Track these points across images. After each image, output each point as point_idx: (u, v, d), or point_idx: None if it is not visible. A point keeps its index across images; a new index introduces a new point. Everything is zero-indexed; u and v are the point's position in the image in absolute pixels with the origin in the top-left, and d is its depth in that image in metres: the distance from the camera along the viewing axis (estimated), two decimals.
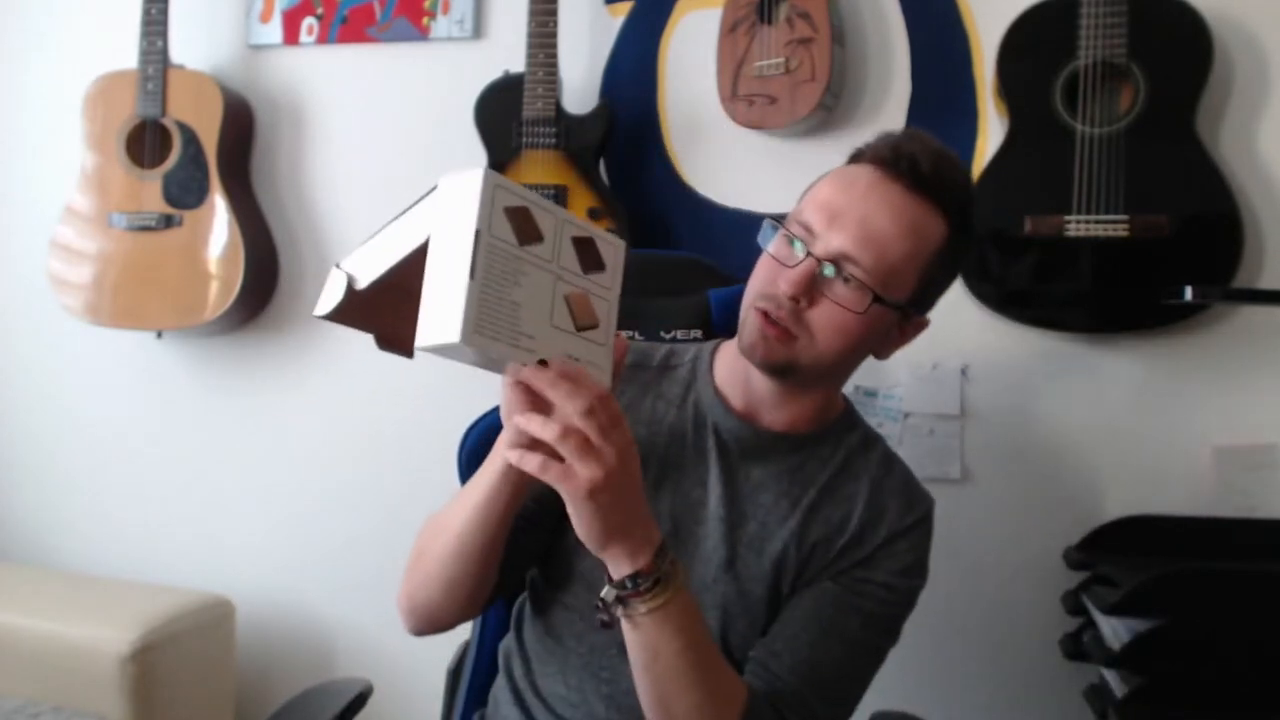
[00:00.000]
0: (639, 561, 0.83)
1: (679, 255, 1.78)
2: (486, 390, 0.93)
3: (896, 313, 0.98)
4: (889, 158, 0.96)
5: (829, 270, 0.94)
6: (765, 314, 0.96)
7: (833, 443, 1.07)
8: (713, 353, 1.10)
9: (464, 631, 1.37)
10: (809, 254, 0.95)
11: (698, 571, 1.04)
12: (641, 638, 0.87)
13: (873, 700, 1.20)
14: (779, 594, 1.04)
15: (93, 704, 1.81)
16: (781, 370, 0.98)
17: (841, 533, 1.03)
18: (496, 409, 1.29)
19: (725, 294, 1.44)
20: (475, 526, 0.95)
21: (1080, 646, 1.51)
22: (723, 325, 1.40)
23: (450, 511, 0.99)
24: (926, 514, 1.06)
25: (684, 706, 0.90)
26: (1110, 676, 1.44)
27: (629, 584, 0.84)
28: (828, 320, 0.95)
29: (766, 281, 0.98)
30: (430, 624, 1.04)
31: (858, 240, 0.94)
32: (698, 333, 1.39)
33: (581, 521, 0.80)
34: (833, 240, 0.95)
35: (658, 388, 1.09)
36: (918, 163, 0.95)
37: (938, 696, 1.62)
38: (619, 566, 0.84)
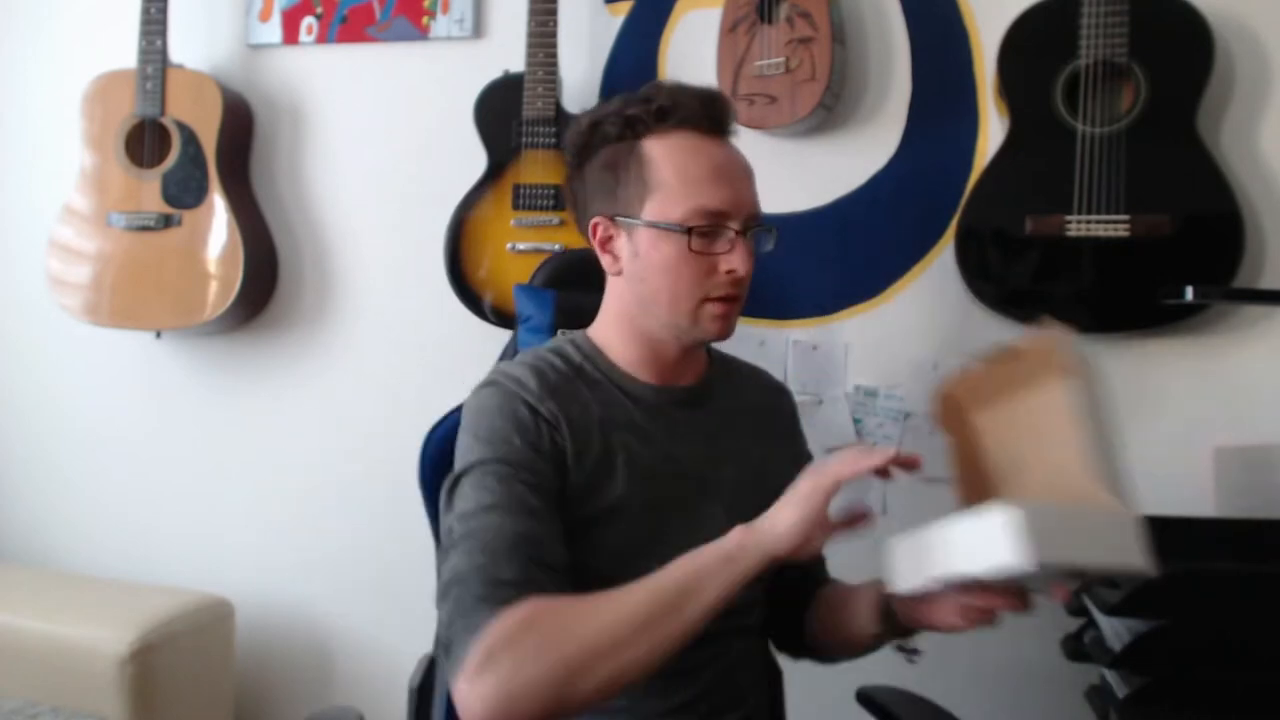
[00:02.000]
0: None
1: None
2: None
3: None
4: (708, 121, 1.06)
5: (754, 229, 1.07)
6: (725, 299, 1.06)
7: (721, 377, 1.19)
8: (587, 347, 1.13)
9: (412, 649, 1.35)
10: (737, 232, 1.05)
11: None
12: None
13: None
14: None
15: (92, 704, 1.81)
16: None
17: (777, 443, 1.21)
18: (454, 412, 1.25)
19: None
20: (701, 620, 0.91)
21: (1081, 647, 1.50)
22: None
23: (681, 593, 0.91)
24: (787, 394, 1.29)
25: None
26: (1111, 677, 1.44)
27: None
28: (752, 272, 1.07)
29: (703, 274, 1.05)
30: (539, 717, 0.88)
31: (754, 199, 1.08)
32: None
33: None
34: (745, 208, 1.06)
35: (573, 398, 1.08)
36: (728, 113, 1.08)
37: (938, 697, 1.62)
38: None
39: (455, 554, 0.95)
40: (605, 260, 1.11)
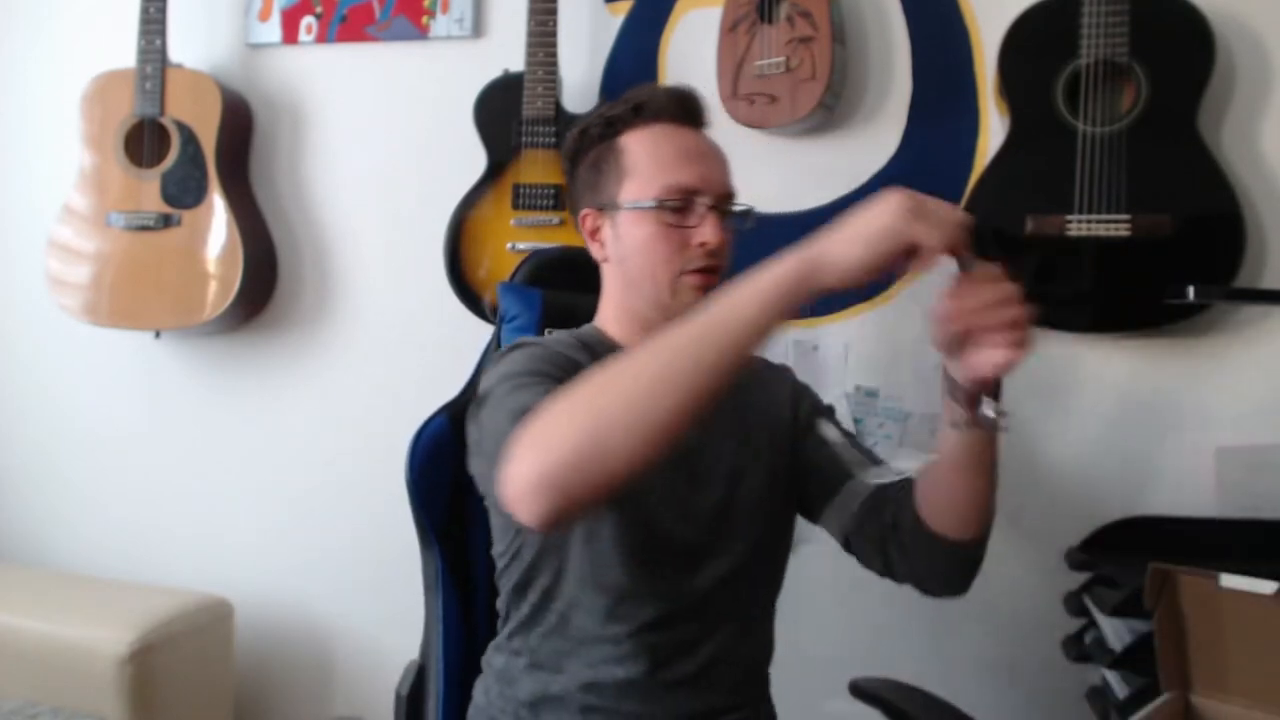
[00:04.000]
0: None
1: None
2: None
3: None
4: (679, 112, 1.14)
5: (735, 209, 1.14)
6: (701, 271, 1.10)
7: None
8: (593, 336, 1.18)
9: (412, 650, 1.33)
10: (708, 207, 1.10)
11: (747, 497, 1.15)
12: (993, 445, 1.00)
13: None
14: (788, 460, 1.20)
15: (91, 705, 1.81)
16: None
17: (783, 409, 1.22)
18: (442, 411, 1.30)
19: None
20: (740, 344, 0.86)
21: (1082, 648, 1.50)
22: None
23: (706, 325, 0.86)
24: (788, 370, 1.30)
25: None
26: (1112, 678, 1.43)
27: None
28: (729, 247, 1.13)
29: (677, 248, 1.10)
30: (584, 490, 0.84)
31: (727, 178, 1.15)
32: None
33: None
34: (715, 186, 1.12)
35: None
36: (698, 106, 1.16)
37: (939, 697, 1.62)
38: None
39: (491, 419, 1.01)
40: (594, 249, 1.18)
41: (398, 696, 1.27)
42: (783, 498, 1.19)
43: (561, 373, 1.03)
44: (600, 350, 1.15)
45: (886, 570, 1.14)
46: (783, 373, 1.28)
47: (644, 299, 1.14)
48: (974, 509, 1.05)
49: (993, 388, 0.96)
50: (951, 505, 1.05)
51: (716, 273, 1.11)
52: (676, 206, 1.10)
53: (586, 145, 1.17)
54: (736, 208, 1.15)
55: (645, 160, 1.12)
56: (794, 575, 1.45)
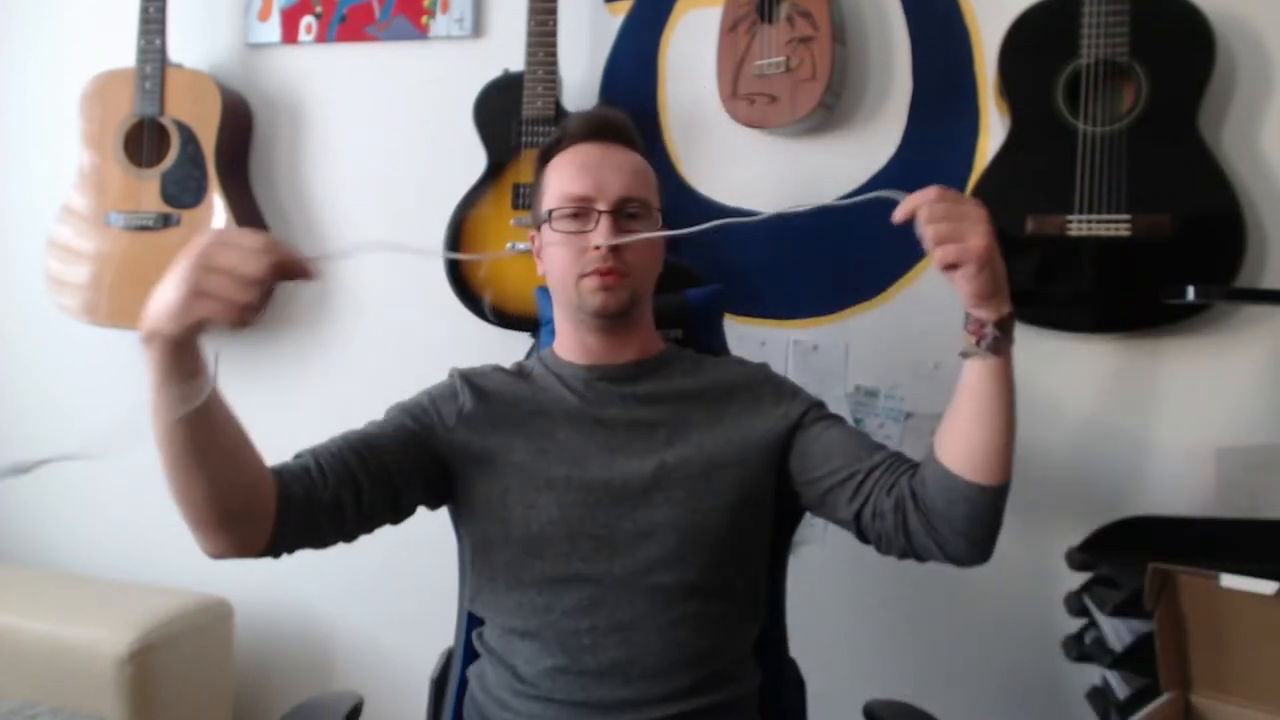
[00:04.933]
0: (1009, 305, 1.01)
1: None
2: None
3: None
4: (587, 131, 1.21)
5: (631, 210, 1.17)
6: (598, 272, 1.15)
7: (674, 359, 1.27)
8: (546, 354, 1.29)
9: (448, 637, 1.38)
10: (601, 212, 1.15)
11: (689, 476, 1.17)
12: (1004, 371, 1.03)
13: (871, 693, 1.25)
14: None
15: (91, 705, 1.80)
16: (627, 309, 1.18)
17: (745, 402, 1.24)
18: None
19: (701, 294, 1.47)
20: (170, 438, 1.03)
21: (1083, 648, 1.50)
22: (702, 322, 1.44)
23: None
24: (765, 366, 1.31)
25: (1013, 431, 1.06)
26: (1112, 678, 1.44)
27: (1007, 324, 1.01)
28: (640, 249, 1.16)
29: (575, 254, 1.16)
30: (212, 539, 1.13)
31: (628, 184, 1.17)
32: (678, 332, 1.40)
33: (983, 279, 0.98)
34: (610, 192, 1.16)
35: (531, 385, 1.25)
36: (607, 123, 1.23)
37: (939, 697, 1.62)
38: (1002, 308, 1.01)
39: None
40: (538, 265, 1.25)
41: (431, 680, 1.36)
42: (730, 489, 1.17)
43: (409, 418, 1.24)
44: (536, 374, 1.25)
45: (906, 541, 1.12)
46: (755, 369, 1.29)
47: (564, 307, 1.22)
48: (986, 448, 1.04)
49: (989, 321, 1.01)
50: (967, 443, 1.05)
51: (614, 274, 1.15)
52: (569, 213, 1.16)
53: (534, 175, 1.27)
54: (631, 210, 1.17)
55: (552, 178, 1.21)
56: (795, 580, 1.45)
